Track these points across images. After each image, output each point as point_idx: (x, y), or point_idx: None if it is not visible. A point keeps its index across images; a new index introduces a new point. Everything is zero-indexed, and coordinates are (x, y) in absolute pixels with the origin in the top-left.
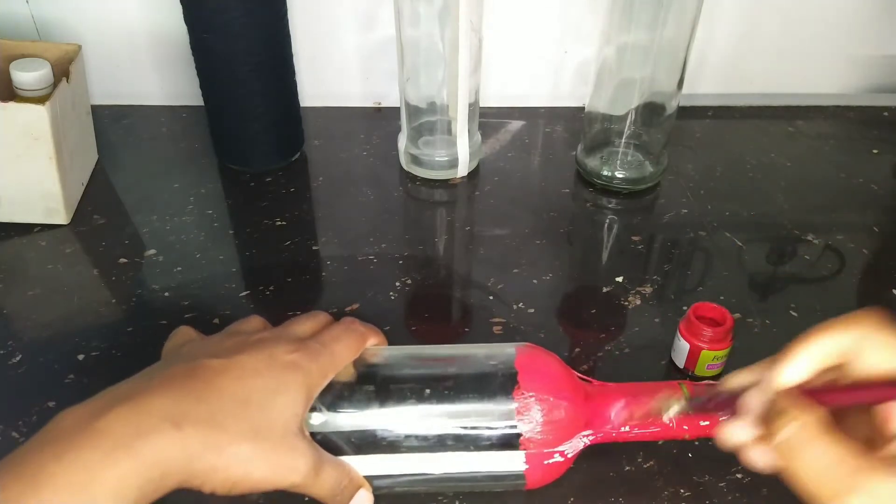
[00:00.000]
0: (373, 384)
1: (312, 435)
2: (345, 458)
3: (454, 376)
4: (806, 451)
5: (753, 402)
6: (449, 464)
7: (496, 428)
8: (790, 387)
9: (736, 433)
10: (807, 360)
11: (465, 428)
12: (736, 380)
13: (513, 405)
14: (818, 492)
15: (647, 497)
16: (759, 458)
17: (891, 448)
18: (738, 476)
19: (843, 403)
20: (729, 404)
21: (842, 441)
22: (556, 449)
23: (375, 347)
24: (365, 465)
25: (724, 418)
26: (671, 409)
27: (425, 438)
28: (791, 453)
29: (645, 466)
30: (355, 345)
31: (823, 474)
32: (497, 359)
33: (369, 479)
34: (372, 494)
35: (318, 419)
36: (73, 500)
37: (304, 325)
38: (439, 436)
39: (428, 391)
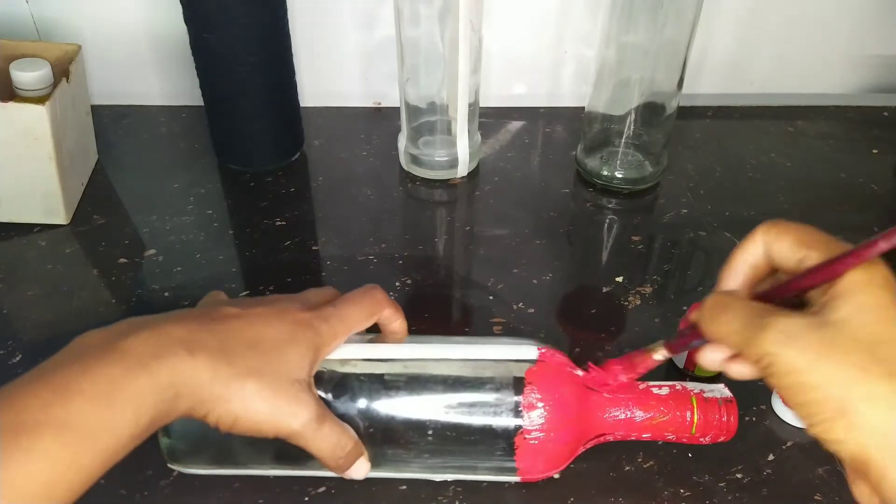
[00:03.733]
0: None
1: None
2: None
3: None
4: (722, 314)
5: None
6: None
7: (498, 409)
8: None
9: (709, 356)
10: (733, 277)
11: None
12: (694, 315)
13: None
14: (739, 345)
15: (647, 497)
16: (737, 370)
17: (812, 305)
18: (738, 476)
19: (775, 298)
20: (694, 336)
21: (754, 302)
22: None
23: (389, 338)
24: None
25: (694, 346)
26: (656, 354)
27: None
28: (712, 323)
29: (645, 466)
30: (369, 310)
31: (740, 328)
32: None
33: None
34: (368, 463)
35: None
36: (98, 410)
37: (320, 294)
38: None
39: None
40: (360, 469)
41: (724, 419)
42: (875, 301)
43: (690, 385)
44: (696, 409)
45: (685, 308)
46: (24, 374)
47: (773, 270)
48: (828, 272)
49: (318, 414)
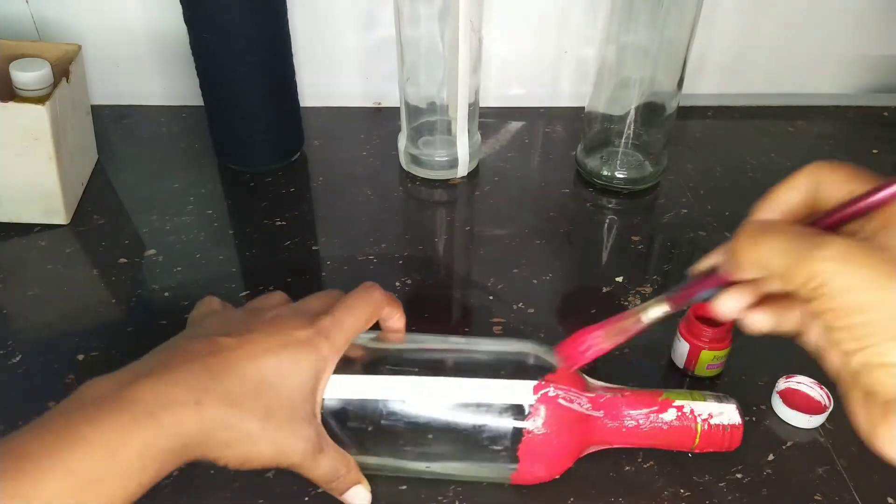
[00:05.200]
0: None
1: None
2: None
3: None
4: (767, 236)
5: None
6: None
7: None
8: None
9: (728, 302)
10: (772, 209)
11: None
12: (703, 263)
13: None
14: (787, 266)
15: (647, 497)
16: (756, 319)
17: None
18: (738, 476)
19: (823, 226)
20: (702, 286)
21: (801, 226)
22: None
23: (393, 335)
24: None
25: (702, 298)
26: (650, 312)
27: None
28: (752, 246)
29: (645, 466)
30: (368, 314)
31: (789, 247)
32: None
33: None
34: (369, 494)
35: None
36: (104, 459)
37: (320, 300)
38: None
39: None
40: (359, 496)
41: (726, 443)
42: None
43: (699, 408)
44: (698, 437)
45: (685, 308)
46: (28, 423)
47: (809, 214)
48: (876, 200)
49: (314, 446)
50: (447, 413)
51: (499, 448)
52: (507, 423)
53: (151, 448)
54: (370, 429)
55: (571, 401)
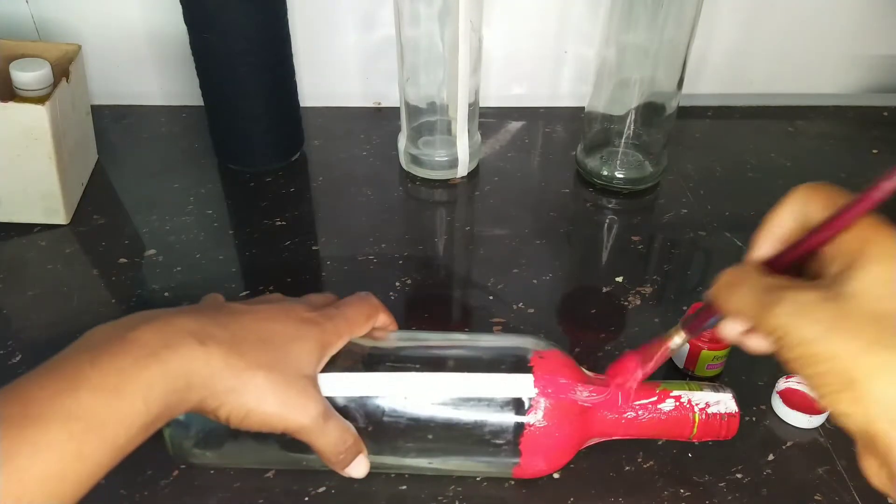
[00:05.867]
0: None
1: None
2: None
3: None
4: (736, 289)
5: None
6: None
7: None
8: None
9: (727, 329)
10: (768, 242)
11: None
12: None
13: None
14: (753, 318)
15: (647, 497)
16: (754, 343)
17: (827, 275)
18: (738, 476)
19: (792, 259)
20: (710, 312)
21: (771, 275)
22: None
23: (388, 332)
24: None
25: (711, 325)
26: (674, 340)
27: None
28: (727, 297)
29: (645, 466)
30: (369, 312)
31: (753, 301)
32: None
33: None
34: (368, 462)
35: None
36: (107, 400)
37: (320, 298)
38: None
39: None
40: (360, 467)
41: (724, 432)
42: (890, 274)
43: (697, 397)
44: (696, 427)
45: (685, 308)
46: (33, 369)
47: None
48: (839, 223)
49: (324, 410)
50: (448, 410)
51: (500, 442)
52: (509, 418)
53: (155, 388)
54: (371, 428)
55: (571, 392)
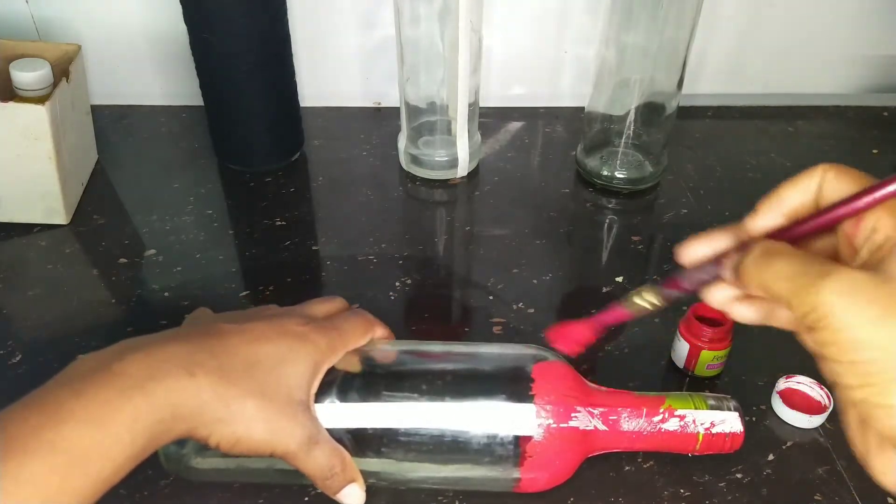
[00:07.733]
0: (384, 375)
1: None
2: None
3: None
4: (774, 261)
5: (732, 260)
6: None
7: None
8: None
9: (719, 294)
10: (776, 208)
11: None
12: (696, 250)
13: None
14: (790, 293)
15: (647, 497)
16: (743, 311)
17: (859, 258)
18: (738, 476)
19: (806, 231)
20: (698, 271)
21: (808, 251)
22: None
23: (386, 342)
24: (368, 418)
25: (696, 284)
26: (643, 299)
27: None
28: (761, 269)
29: (645, 466)
30: (364, 327)
31: (794, 275)
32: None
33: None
34: (364, 493)
35: (330, 409)
36: (91, 433)
37: (319, 306)
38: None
39: (438, 383)
40: (353, 496)
41: (727, 448)
42: None
43: (701, 417)
44: (699, 444)
45: (685, 308)
46: (17, 401)
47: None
48: (862, 203)
49: (311, 435)
50: (448, 440)
51: (501, 467)
52: (509, 445)
53: (140, 420)
54: (370, 454)
55: (572, 419)
